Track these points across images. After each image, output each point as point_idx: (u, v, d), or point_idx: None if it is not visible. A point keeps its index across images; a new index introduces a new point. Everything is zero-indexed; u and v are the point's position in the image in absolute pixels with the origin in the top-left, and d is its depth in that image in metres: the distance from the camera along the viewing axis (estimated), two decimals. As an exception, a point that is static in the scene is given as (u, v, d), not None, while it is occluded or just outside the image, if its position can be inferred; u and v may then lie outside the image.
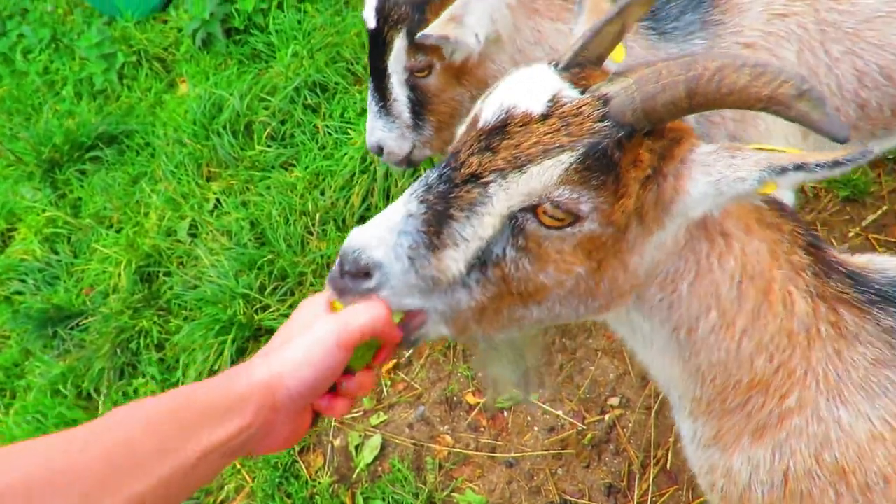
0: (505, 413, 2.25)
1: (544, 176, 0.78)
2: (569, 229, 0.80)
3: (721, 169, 0.78)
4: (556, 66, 0.86)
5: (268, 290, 2.68)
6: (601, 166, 0.77)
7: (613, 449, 2.09)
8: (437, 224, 0.82)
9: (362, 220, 2.81)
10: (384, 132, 1.61)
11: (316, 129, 3.10)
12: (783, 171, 0.74)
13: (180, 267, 2.91)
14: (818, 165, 0.71)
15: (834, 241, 2.16)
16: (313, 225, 2.81)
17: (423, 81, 1.50)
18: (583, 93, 0.81)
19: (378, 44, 1.49)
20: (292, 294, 2.70)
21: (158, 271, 2.94)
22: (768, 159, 0.75)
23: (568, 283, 0.84)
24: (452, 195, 0.82)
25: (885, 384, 0.89)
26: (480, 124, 0.84)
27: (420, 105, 1.56)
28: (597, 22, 0.86)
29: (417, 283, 0.82)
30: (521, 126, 0.81)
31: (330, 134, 3.03)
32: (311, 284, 2.68)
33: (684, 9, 1.44)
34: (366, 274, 0.82)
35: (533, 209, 0.80)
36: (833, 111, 0.72)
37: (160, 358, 2.68)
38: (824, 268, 0.91)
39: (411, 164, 1.71)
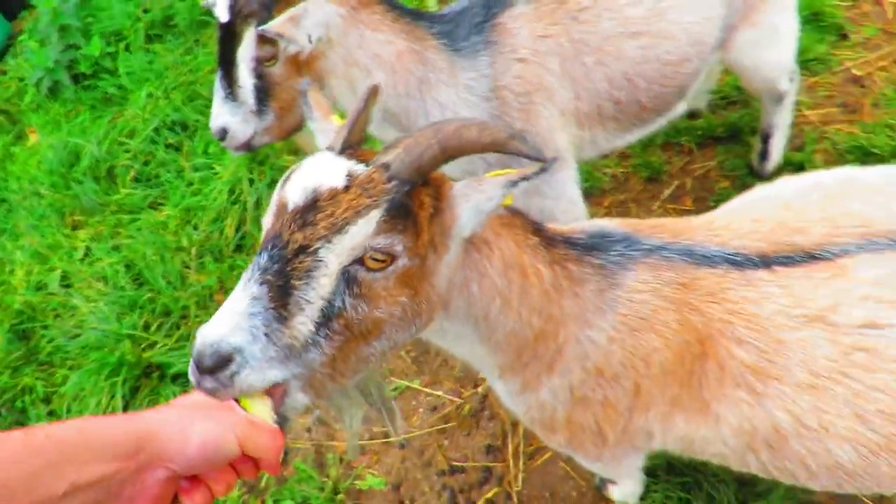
0: (392, 403, 2.62)
1: (362, 231, 1.01)
2: (389, 268, 1.04)
3: (476, 195, 1.11)
4: (334, 151, 1.11)
5: (153, 328, 2.88)
6: (401, 214, 1.03)
7: (488, 415, 2.51)
8: (280, 298, 0.98)
9: (238, 248, 3.09)
10: (229, 116, 1.81)
11: (181, 167, 3.33)
12: (515, 183, 1.10)
13: (57, 319, 3.03)
14: (534, 173, 1.10)
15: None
16: (190, 259, 3.04)
17: (268, 70, 1.76)
18: (367, 165, 1.06)
19: (229, 36, 1.72)
20: (178, 328, 2.92)
21: (34, 326, 3.04)
22: (504, 179, 1.11)
23: (397, 312, 1.08)
24: (288, 269, 0.99)
25: (609, 303, 1.31)
26: (291, 207, 1.02)
27: (264, 92, 1.78)
28: (351, 115, 1.14)
29: (276, 354, 0.97)
30: (329, 199, 1.01)
31: (196, 170, 3.27)
32: (196, 316, 2.91)
33: (470, 31, 1.83)
34: (227, 361, 0.94)
35: (359, 260, 1.02)
36: (534, 144, 1.09)
37: (49, 411, 2.80)
38: (548, 242, 1.30)
39: (250, 149, 1.92)
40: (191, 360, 0.96)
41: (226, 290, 2.99)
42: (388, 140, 2.04)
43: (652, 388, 1.36)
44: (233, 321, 0.96)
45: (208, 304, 2.94)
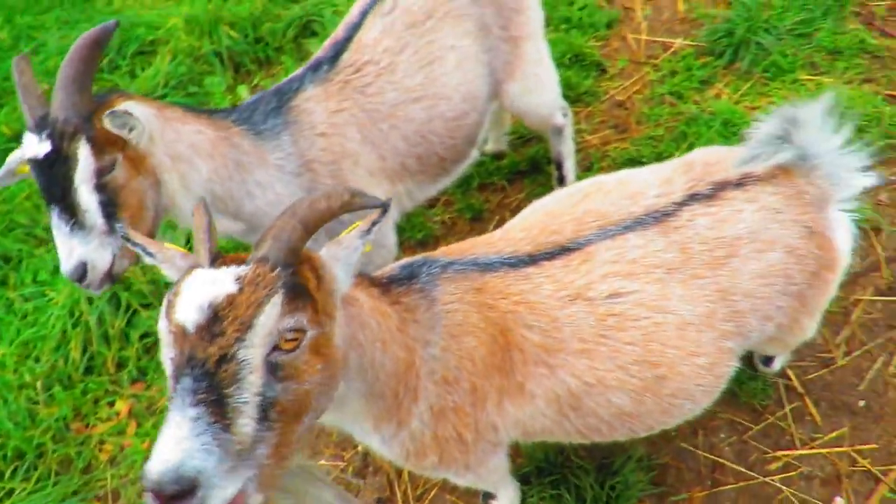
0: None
1: (270, 318, 1.11)
2: (303, 343, 1.16)
3: (341, 253, 1.30)
4: (204, 266, 1.20)
5: (7, 475, 2.76)
6: (296, 293, 1.15)
7: (372, 469, 2.66)
8: (219, 409, 1.04)
9: (88, 370, 3.05)
10: (83, 247, 1.78)
11: (10, 300, 3.25)
12: (368, 231, 1.32)
13: None
14: (379, 217, 1.31)
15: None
16: (36, 394, 2.96)
17: (110, 177, 1.78)
18: (247, 265, 1.17)
19: (59, 164, 1.72)
20: (35, 468, 2.81)
21: None
22: (358, 231, 1.31)
23: (318, 379, 1.19)
24: (216, 381, 1.06)
25: (436, 318, 1.55)
26: (192, 328, 1.10)
27: (111, 205, 1.79)
28: (204, 229, 1.25)
29: (231, 463, 1.03)
30: (228, 305, 1.11)
31: (27, 300, 3.21)
32: (54, 451, 2.82)
33: (267, 115, 2.07)
34: (193, 487, 0.97)
35: (275, 347, 1.13)
36: (372, 196, 1.29)
37: None
38: (383, 288, 1.55)
39: (114, 280, 1.88)
40: (147, 496, 0.98)
41: (82, 417, 2.94)
42: (219, 229, 2.22)
43: (482, 382, 1.61)
44: (183, 446, 1.00)
45: (65, 435, 2.87)
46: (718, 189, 1.62)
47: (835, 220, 1.68)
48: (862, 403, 2.34)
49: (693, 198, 1.62)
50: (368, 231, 1.31)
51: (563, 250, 1.63)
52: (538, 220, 1.74)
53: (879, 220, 2.66)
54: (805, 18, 3.14)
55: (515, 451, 2.43)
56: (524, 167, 3.20)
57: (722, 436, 2.39)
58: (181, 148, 1.96)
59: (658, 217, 1.61)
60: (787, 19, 3.16)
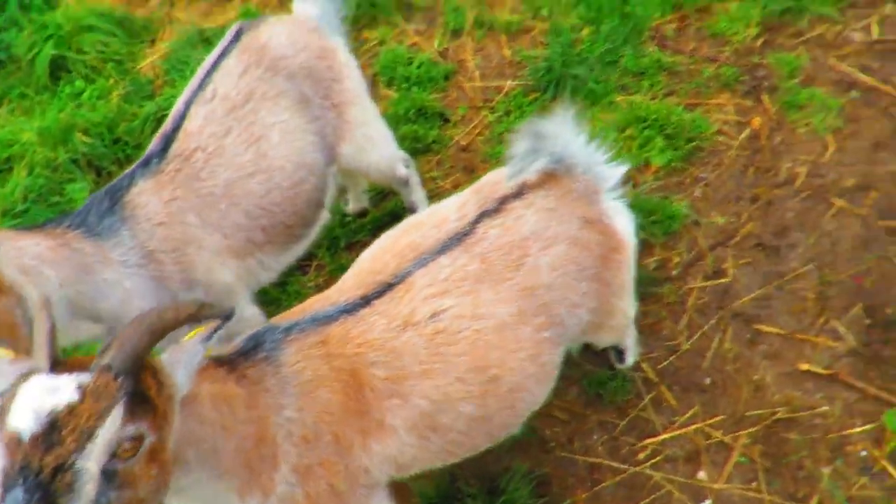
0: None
1: (111, 429, 1.15)
2: (141, 450, 1.20)
3: (181, 357, 1.36)
4: (43, 371, 1.22)
5: None
6: (138, 401, 1.20)
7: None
8: None
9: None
10: None
11: None
12: (209, 337, 1.37)
13: None
14: (220, 325, 1.38)
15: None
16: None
17: None
18: (90, 372, 1.19)
19: None
20: None
21: None
22: (199, 336, 1.37)
23: (152, 485, 1.24)
24: (50, 492, 1.07)
25: (285, 381, 1.64)
26: (28, 436, 1.11)
27: None
28: (46, 333, 1.29)
29: None
30: (69, 414, 1.13)
31: None
32: None
33: (102, 215, 2.15)
34: None
35: (113, 455, 1.16)
36: (218, 306, 1.36)
37: None
38: (230, 365, 1.63)
39: None
40: None
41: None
42: (80, 336, 2.27)
43: (344, 429, 1.72)
44: None
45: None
46: (502, 202, 1.88)
47: (610, 208, 1.97)
48: (708, 380, 2.61)
49: (484, 214, 1.86)
50: (210, 336, 1.39)
51: (389, 286, 1.80)
52: (366, 265, 1.92)
53: (695, 215, 3.01)
54: (610, 48, 3.55)
55: (408, 493, 2.53)
56: (386, 220, 3.38)
57: (595, 437, 2.58)
58: (27, 261, 2.01)
59: (459, 237, 1.83)
60: (595, 51, 3.55)
